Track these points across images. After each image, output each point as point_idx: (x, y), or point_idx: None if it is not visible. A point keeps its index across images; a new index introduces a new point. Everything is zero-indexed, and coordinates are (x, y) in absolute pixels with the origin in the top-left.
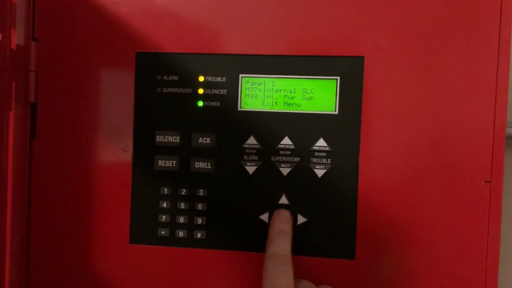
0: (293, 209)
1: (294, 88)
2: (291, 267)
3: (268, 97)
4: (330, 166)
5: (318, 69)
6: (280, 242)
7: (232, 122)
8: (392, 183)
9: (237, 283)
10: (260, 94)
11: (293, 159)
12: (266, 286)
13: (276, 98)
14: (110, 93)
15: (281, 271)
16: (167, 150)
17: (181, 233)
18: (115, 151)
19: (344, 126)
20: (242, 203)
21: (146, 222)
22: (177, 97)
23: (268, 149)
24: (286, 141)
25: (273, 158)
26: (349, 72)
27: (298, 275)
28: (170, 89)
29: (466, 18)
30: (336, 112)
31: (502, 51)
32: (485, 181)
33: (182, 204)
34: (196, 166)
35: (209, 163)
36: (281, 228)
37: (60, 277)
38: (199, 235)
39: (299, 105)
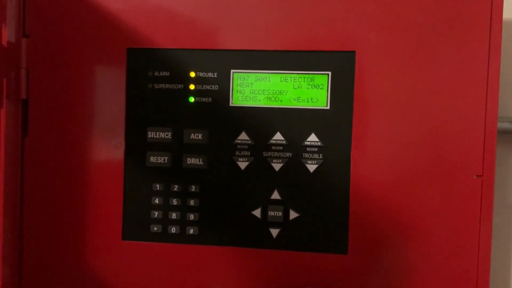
0: (285, 204)
1: (286, 84)
2: None
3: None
4: (322, 161)
5: (310, 64)
6: None
7: (223, 118)
8: (384, 178)
9: (230, 278)
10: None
11: (285, 155)
12: None
13: (268, 94)
14: (101, 89)
15: None
16: (159, 146)
17: (173, 229)
18: (107, 147)
19: (335, 121)
20: (235, 198)
21: (138, 219)
22: (168, 93)
23: (260, 144)
24: (278, 136)
25: (265, 154)
26: (341, 67)
27: (291, 270)
28: (162, 85)
29: (457, 13)
30: (328, 107)
31: (493, 46)
32: (477, 175)
33: (174, 200)
34: (188, 162)
35: (201, 159)
36: None
37: (53, 274)
38: (191, 231)
39: (291, 101)
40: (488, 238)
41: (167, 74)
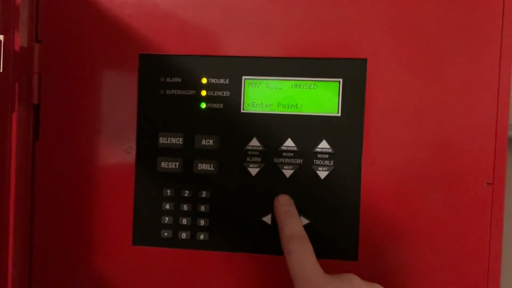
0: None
1: (297, 90)
2: (310, 244)
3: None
4: (333, 168)
5: (321, 71)
6: (291, 222)
7: (235, 124)
8: (394, 185)
9: (240, 285)
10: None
11: (296, 161)
12: (294, 269)
13: (279, 100)
14: (113, 95)
15: (304, 251)
16: (170, 152)
17: (184, 235)
18: (118, 152)
19: (347, 128)
20: (245, 204)
21: (149, 224)
22: (180, 99)
23: (271, 151)
24: (289, 143)
25: (276, 160)
26: (352, 74)
27: None
28: (173, 91)
29: (468, 20)
30: (339, 114)
31: (504, 53)
32: (487, 183)
33: (185, 205)
34: (199, 168)
35: (212, 165)
36: (287, 210)
37: (63, 278)
38: (202, 237)
39: (302, 107)
40: (498, 246)
41: (179, 80)
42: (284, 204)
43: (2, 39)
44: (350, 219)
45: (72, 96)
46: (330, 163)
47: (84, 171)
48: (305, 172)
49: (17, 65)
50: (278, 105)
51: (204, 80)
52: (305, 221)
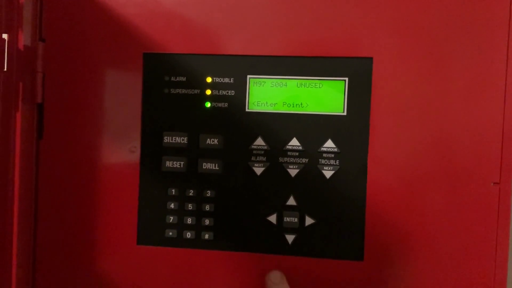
0: (301, 210)
1: (302, 89)
2: None
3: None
4: (338, 167)
5: (327, 70)
6: None
7: (239, 123)
8: (400, 184)
9: (245, 284)
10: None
11: (301, 160)
12: None
13: (284, 99)
14: (117, 94)
15: None
16: (175, 151)
17: (188, 234)
18: (123, 152)
19: (352, 127)
20: (250, 204)
21: (153, 223)
22: (184, 98)
23: (276, 150)
24: (294, 142)
25: (281, 159)
26: (358, 73)
27: (307, 276)
28: (178, 90)
29: (474, 19)
30: (345, 113)
31: (511, 51)
32: (494, 183)
33: (189, 205)
34: (203, 167)
35: (216, 164)
36: None
37: (67, 278)
38: (206, 236)
39: (307, 106)
40: (505, 246)
41: (184, 79)
42: (277, 283)
43: (6, 38)
44: (356, 218)
45: (76, 95)
46: (335, 162)
47: (88, 170)
48: (311, 171)
49: (21, 64)
50: (283, 104)
51: (208, 79)
52: (310, 220)
